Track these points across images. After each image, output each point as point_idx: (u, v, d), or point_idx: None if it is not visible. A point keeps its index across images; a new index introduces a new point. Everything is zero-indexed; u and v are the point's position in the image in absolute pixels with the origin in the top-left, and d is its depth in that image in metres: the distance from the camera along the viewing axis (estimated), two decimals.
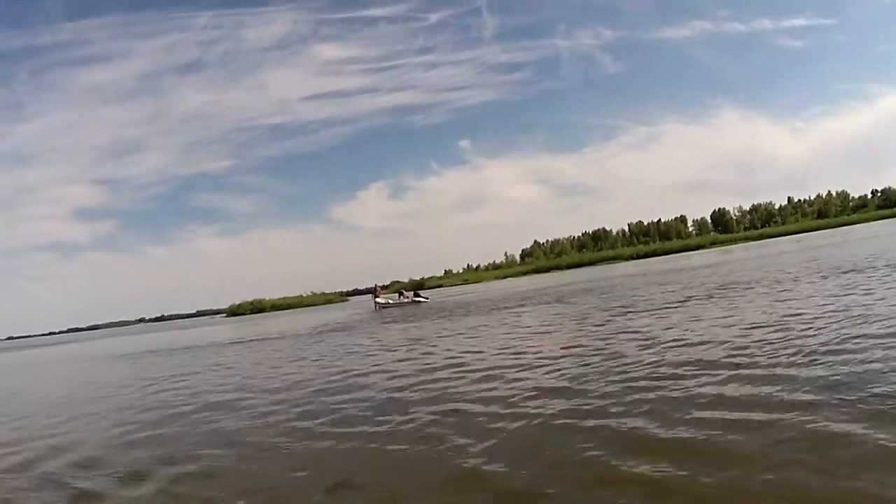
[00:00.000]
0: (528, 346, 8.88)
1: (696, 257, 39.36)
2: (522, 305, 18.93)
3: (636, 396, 4.81)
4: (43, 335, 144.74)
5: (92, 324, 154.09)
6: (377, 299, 31.12)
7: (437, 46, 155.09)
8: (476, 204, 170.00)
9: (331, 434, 4.94)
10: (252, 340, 19.45)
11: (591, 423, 4.25)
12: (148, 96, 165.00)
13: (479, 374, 6.91)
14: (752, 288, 12.63)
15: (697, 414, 4.07)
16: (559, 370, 6.52)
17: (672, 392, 4.78)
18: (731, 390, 4.61)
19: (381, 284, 34.71)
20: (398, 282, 79.40)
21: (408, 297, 31.45)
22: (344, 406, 6.03)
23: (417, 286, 66.48)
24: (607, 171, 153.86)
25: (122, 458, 5.04)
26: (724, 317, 8.95)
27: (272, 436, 5.21)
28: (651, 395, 4.77)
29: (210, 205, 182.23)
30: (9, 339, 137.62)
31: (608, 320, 10.91)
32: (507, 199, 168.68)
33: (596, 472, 3.20)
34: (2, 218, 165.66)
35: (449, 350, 9.80)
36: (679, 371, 5.54)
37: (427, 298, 30.88)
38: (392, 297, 31.84)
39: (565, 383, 5.77)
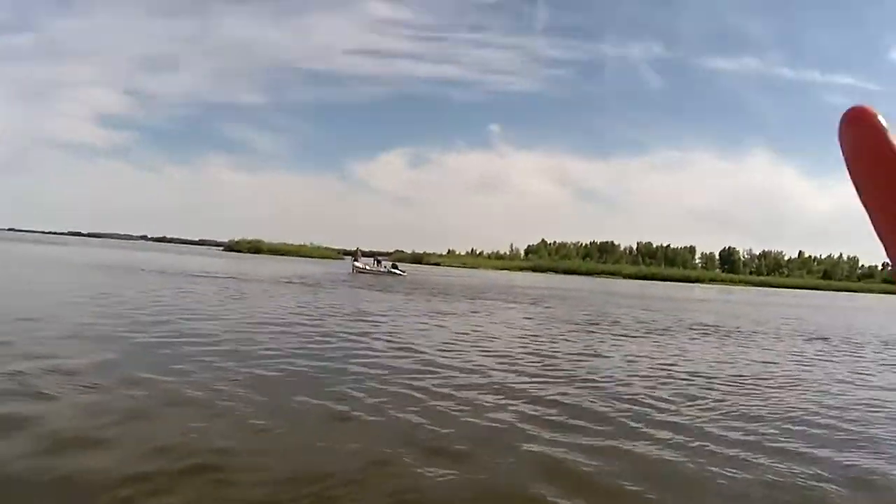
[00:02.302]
0: (466, 342, 8.46)
1: (696, 290, 38.73)
2: (495, 300, 18.39)
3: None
4: (44, 232, 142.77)
5: (94, 231, 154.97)
6: (356, 263, 30.96)
7: (488, 27, 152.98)
8: (493, 189, 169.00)
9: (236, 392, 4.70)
10: (227, 278, 19.75)
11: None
12: (192, 15, 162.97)
13: (399, 359, 6.58)
14: (725, 335, 12.19)
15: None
16: (478, 371, 6.12)
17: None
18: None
19: (362, 249, 34.36)
20: (400, 251, 78.80)
21: (385, 267, 31.11)
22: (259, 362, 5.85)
23: (416, 259, 65.46)
24: (629, 186, 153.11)
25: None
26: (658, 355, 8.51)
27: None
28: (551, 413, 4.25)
29: (235, 136, 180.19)
30: (10, 230, 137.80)
31: (565, 333, 10.48)
32: (525, 191, 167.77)
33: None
34: (27, 108, 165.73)
35: (386, 331, 9.43)
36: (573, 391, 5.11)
37: (404, 273, 30.30)
38: (369, 264, 31.51)
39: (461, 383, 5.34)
